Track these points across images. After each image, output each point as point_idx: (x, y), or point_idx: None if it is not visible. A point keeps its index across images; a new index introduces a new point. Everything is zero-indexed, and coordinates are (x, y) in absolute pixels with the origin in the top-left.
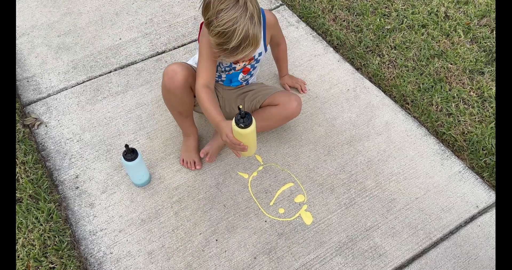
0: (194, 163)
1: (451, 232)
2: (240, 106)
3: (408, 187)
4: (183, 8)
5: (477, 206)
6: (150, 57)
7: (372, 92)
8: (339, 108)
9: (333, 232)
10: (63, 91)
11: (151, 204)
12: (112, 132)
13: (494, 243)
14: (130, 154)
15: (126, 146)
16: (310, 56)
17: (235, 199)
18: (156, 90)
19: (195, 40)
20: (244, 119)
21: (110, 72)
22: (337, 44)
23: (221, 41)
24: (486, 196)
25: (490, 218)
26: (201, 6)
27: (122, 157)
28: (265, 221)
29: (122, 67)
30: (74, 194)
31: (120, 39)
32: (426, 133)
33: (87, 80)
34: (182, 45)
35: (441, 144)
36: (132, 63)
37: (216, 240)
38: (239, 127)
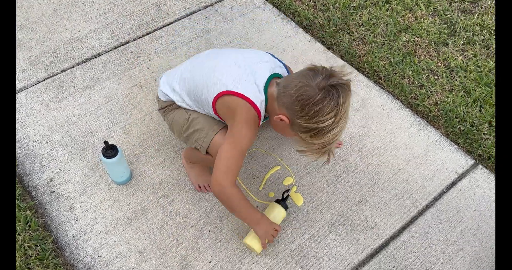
0: (208, 185)
1: (435, 199)
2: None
3: (390, 159)
4: None
5: (456, 172)
6: (114, 48)
7: (345, 69)
8: None
9: (324, 210)
10: (22, 90)
11: (136, 202)
12: (83, 130)
13: (475, 206)
14: (110, 151)
15: (106, 142)
16: (281, 37)
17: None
18: (125, 83)
19: (160, 28)
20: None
21: (73, 67)
22: (306, 24)
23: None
24: (463, 161)
25: (469, 182)
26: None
27: (102, 155)
28: (256, 207)
29: (85, 61)
30: (50, 199)
31: (79, 31)
32: (401, 106)
33: (49, 77)
34: (147, 34)
35: (417, 116)
36: (96, 56)
37: (209, 230)
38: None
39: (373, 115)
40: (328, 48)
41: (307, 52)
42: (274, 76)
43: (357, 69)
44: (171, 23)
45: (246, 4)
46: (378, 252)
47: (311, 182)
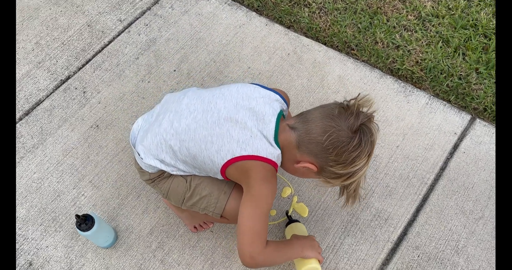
0: (204, 223)
1: (442, 169)
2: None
3: (385, 138)
4: (69, 17)
5: (455, 133)
6: (55, 89)
7: (313, 48)
8: (288, 78)
9: (332, 215)
10: None
11: (131, 262)
12: (49, 196)
13: (483, 165)
14: (85, 224)
15: (77, 216)
16: (235, 28)
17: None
18: (79, 127)
19: (99, 51)
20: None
21: (15, 123)
22: (258, 6)
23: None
24: (459, 119)
25: (471, 141)
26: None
27: (77, 229)
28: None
29: (27, 113)
30: None
31: None
32: (381, 75)
33: None
34: (87, 62)
35: (400, 81)
36: (37, 104)
37: None
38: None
39: (355, 92)
40: (289, 28)
41: (267, 38)
42: (279, 116)
43: (324, 44)
44: (109, 42)
45: None
46: (399, 245)
47: (310, 186)
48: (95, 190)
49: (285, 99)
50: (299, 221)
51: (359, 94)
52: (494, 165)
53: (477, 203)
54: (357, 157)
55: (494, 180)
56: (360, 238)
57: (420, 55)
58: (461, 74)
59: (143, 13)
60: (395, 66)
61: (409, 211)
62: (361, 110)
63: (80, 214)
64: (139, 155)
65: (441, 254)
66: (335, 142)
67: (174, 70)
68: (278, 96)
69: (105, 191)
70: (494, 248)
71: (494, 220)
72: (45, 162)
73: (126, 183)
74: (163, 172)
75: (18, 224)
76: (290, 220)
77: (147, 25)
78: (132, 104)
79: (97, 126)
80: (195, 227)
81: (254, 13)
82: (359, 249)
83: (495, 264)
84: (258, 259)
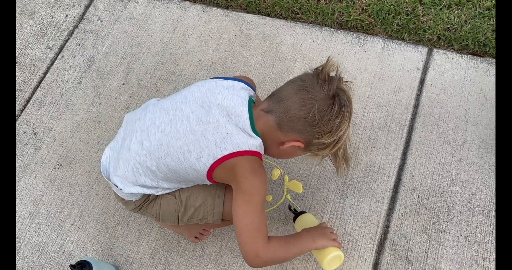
0: (204, 230)
1: (415, 107)
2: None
3: (354, 92)
4: None
5: (418, 69)
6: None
7: (258, 22)
8: (242, 60)
9: (326, 182)
10: None
11: None
12: (33, 253)
13: (452, 92)
14: None
15: (71, 266)
16: (172, 23)
17: None
18: (42, 171)
19: (38, 86)
20: None
21: None
22: None
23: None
24: (418, 54)
25: (434, 72)
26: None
27: None
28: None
29: None
30: None
31: None
32: (332, 31)
33: None
34: (28, 101)
35: (352, 33)
36: None
37: None
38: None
39: (312, 56)
40: (227, 8)
41: (209, 25)
42: (250, 104)
43: (268, 15)
44: (45, 74)
45: (113, 6)
46: (397, 191)
47: (296, 162)
48: (80, 232)
49: (251, 84)
50: (305, 212)
51: (328, 58)
52: (462, 88)
53: (457, 129)
54: (341, 122)
55: (466, 103)
56: (359, 196)
57: (364, 1)
58: (407, 10)
59: (71, 33)
60: (342, 19)
61: (396, 156)
62: (330, 75)
63: (73, 262)
64: (117, 186)
65: (439, 188)
66: (318, 113)
67: (123, 84)
68: (242, 84)
69: (91, 230)
70: (484, 167)
71: (477, 140)
72: (17, 218)
73: (110, 215)
74: (148, 196)
75: None
76: (296, 214)
77: (79, 45)
78: (90, 131)
79: (60, 165)
80: (196, 237)
81: (187, 2)
82: (361, 207)
83: (493, 184)
84: (264, 256)
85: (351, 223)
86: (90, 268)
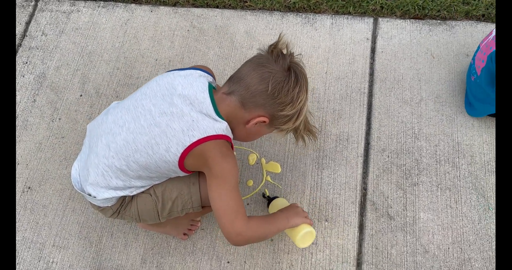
0: (191, 225)
1: (371, 74)
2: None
3: (312, 70)
4: None
5: (367, 39)
6: None
7: (208, 15)
8: (199, 54)
9: (302, 158)
10: None
11: None
12: None
13: (402, 55)
14: None
15: None
16: (121, 27)
17: (207, 216)
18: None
19: None
20: None
21: None
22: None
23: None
24: (365, 25)
25: (383, 40)
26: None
27: None
28: (247, 204)
29: None
30: None
31: None
32: (281, 15)
33: None
34: None
35: (300, 14)
36: None
37: (228, 262)
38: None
39: (267, 41)
40: (175, 5)
41: (159, 24)
42: (210, 90)
43: (217, 7)
44: None
45: (55, 18)
46: (368, 155)
47: (270, 144)
48: (63, 251)
49: (209, 71)
50: (277, 197)
51: (279, 36)
52: (410, 50)
53: (412, 89)
54: (300, 92)
55: (416, 63)
56: (334, 166)
57: None
58: None
59: (15, 52)
60: (290, 2)
61: (362, 122)
62: (282, 51)
63: None
64: (90, 195)
65: (405, 145)
66: (277, 84)
67: (81, 95)
68: (200, 71)
69: (75, 247)
70: (442, 120)
71: (432, 96)
72: None
73: (92, 228)
74: (123, 198)
75: None
76: (269, 199)
77: (26, 63)
78: (54, 149)
79: (29, 188)
80: (185, 234)
81: (133, 5)
82: (338, 175)
83: (453, 133)
84: (245, 234)
85: (331, 192)
86: None
